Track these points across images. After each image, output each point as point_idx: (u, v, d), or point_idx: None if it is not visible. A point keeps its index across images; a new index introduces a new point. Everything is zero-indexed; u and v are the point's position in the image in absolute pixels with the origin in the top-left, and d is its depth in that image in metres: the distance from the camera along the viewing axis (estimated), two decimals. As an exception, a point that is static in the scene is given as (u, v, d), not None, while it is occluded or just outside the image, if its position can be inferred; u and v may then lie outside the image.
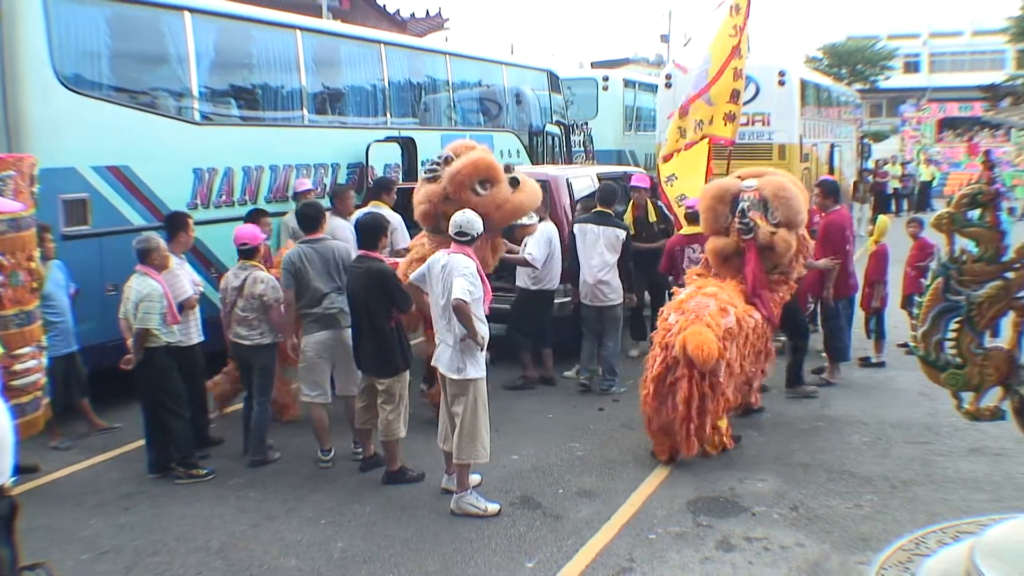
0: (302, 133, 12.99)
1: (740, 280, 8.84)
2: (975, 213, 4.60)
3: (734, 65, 12.31)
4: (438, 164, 8.70)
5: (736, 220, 8.83)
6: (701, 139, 12.53)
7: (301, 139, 12.92)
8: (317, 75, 13.51)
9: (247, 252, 8.45)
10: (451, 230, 7.36)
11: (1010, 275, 4.59)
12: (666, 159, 12.83)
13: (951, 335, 4.66)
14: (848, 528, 6.91)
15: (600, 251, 10.50)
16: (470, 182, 8.42)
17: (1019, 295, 4.60)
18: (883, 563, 5.34)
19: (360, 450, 8.42)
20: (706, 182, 11.77)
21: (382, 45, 14.91)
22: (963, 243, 4.88)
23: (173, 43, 10.89)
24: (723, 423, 8.41)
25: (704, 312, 8.14)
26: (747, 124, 18.81)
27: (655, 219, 12.11)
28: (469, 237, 7.31)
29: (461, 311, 7.00)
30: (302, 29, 13.06)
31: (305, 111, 13.02)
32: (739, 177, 9.36)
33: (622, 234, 10.65)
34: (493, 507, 7.30)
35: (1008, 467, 8.02)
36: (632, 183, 12.28)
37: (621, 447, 8.74)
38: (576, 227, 10.81)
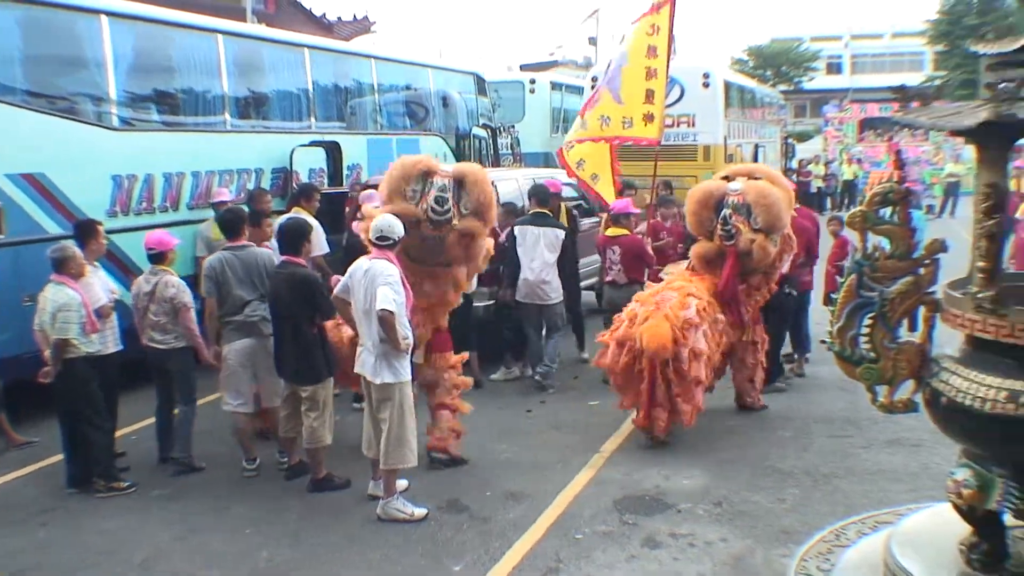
0: (225, 138, 12.82)
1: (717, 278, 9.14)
2: (887, 211, 4.69)
3: (648, 64, 12.04)
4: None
5: (719, 226, 9.02)
6: (613, 140, 12.26)
7: (224, 144, 12.74)
8: (240, 79, 13.36)
9: (156, 257, 8.31)
10: (371, 235, 7.31)
11: (921, 271, 4.69)
12: (570, 145, 12.64)
13: (865, 330, 4.75)
14: (771, 522, 7.00)
15: (541, 251, 10.66)
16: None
17: (929, 290, 4.70)
18: (804, 555, 5.43)
19: (285, 458, 8.33)
20: (613, 183, 12.19)
21: (306, 49, 14.81)
22: (877, 240, 4.98)
23: (90, 47, 10.70)
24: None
25: (665, 304, 8.56)
26: (672, 125, 18.97)
27: (566, 223, 11.73)
28: (390, 241, 7.27)
29: (386, 321, 6.99)
30: (224, 33, 12.91)
31: (228, 116, 12.89)
32: (725, 178, 9.47)
33: (561, 234, 10.82)
34: (420, 511, 7.27)
35: (925, 458, 8.18)
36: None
37: (549, 448, 8.77)
38: (516, 229, 10.85)
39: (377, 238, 7.26)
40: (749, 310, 9.35)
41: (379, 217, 7.39)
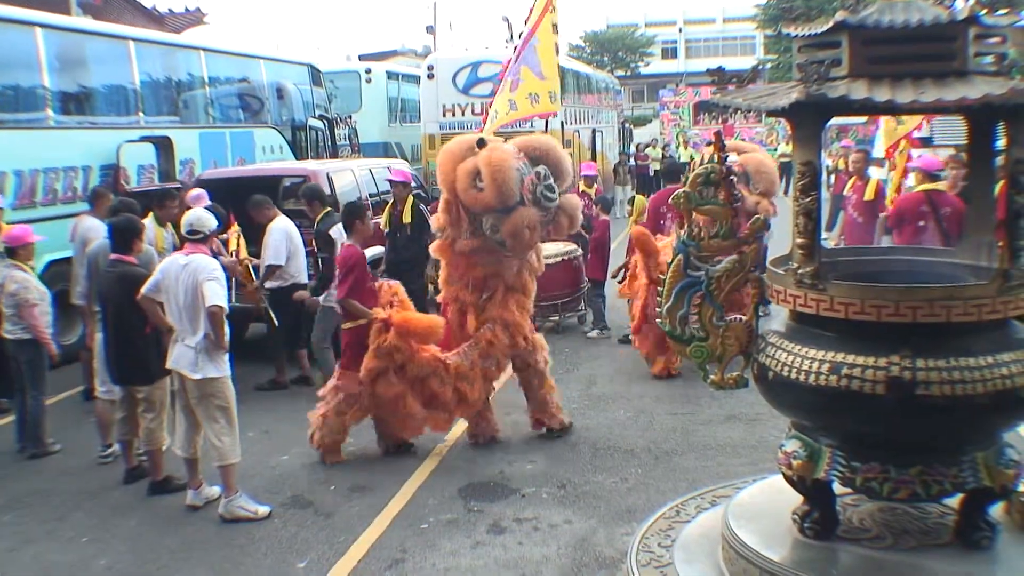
0: (48, 135, 12.42)
1: None
2: (709, 191, 4.76)
3: (555, 40, 12.81)
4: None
5: None
6: (545, 115, 13.17)
7: (47, 141, 12.33)
8: (62, 74, 12.90)
9: (9, 251, 8.41)
10: (184, 229, 7.27)
11: (745, 250, 4.77)
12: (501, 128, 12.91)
13: (694, 310, 4.81)
14: (614, 502, 7.10)
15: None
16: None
17: (754, 269, 4.79)
18: (645, 533, 5.46)
19: (109, 451, 8.30)
20: None
21: (131, 41, 14.39)
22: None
23: None
24: None
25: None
26: (510, 111, 19.06)
27: (410, 220, 11.23)
28: (201, 235, 7.22)
29: (217, 317, 6.89)
30: (42, 26, 12.44)
31: (50, 112, 12.45)
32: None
33: None
34: (263, 509, 7.16)
35: (762, 432, 8.41)
36: (391, 177, 11.97)
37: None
38: (334, 231, 10.09)
39: (188, 232, 7.20)
40: None
41: (191, 211, 7.33)
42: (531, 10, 12.92)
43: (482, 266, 8.09)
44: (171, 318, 7.17)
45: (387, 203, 11.80)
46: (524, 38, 12.85)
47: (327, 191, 11.35)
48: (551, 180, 7.90)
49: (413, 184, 11.59)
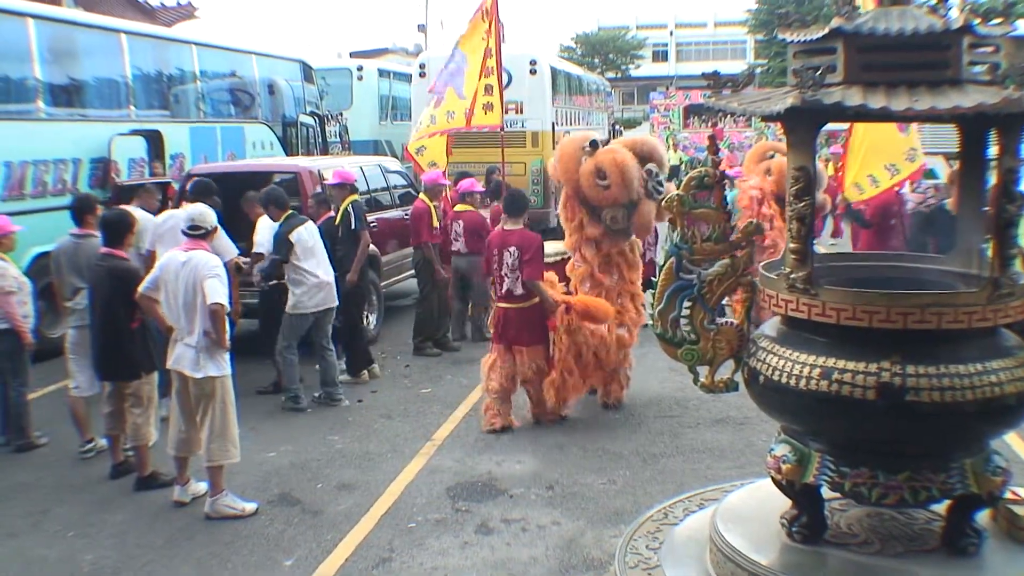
0: (39, 127, 12.40)
1: None
2: (703, 195, 4.78)
3: (486, 63, 13.12)
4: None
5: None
6: (460, 129, 13.59)
7: (38, 133, 12.33)
8: (53, 66, 12.89)
9: None
10: (184, 224, 7.21)
11: (738, 254, 4.79)
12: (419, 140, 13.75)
13: (685, 312, 4.83)
14: (602, 503, 7.12)
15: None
16: None
17: (746, 273, 4.81)
18: (633, 535, 5.47)
19: (90, 446, 8.30)
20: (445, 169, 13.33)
21: (123, 34, 14.33)
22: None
23: None
24: None
25: None
26: (501, 112, 19.15)
27: (339, 221, 10.63)
28: (202, 231, 7.17)
29: (218, 315, 6.86)
30: (35, 17, 12.41)
31: (41, 103, 12.42)
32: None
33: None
34: (250, 507, 7.14)
35: (749, 435, 8.44)
36: (329, 180, 11.23)
37: (380, 438, 8.72)
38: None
39: (189, 228, 7.14)
40: None
41: (191, 207, 7.28)
42: (466, 34, 13.43)
43: (607, 248, 9.01)
44: (169, 316, 7.13)
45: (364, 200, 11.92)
46: (455, 59, 13.39)
47: (319, 188, 11.26)
48: (660, 176, 8.77)
49: (352, 186, 11.09)
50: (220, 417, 7.06)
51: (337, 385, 9.86)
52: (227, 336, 7.02)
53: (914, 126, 11.71)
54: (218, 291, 6.88)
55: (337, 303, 9.83)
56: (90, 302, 7.76)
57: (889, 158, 11.80)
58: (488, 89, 13.20)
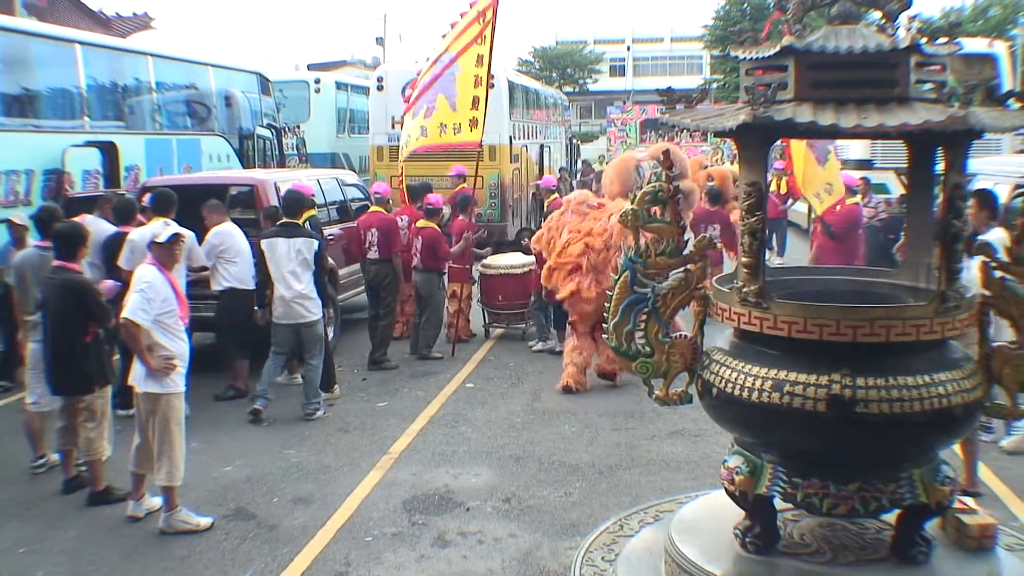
0: (-11, 137, 12.20)
1: None
2: (656, 209, 4.83)
3: (476, 72, 12.69)
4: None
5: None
6: (449, 147, 13.53)
7: (-12, 144, 12.13)
8: (6, 75, 12.76)
9: None
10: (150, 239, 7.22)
11: (691, 268, 4.85)
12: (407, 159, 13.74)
13: (640, 325, 4.87)
14: (558, 516, 7.13)
15: (293, 266, 9.56)
16: None
17: (699, 287, 4.86)
18: (589, 547, 5.51)
19: (42, 461, 8.20)
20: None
21: (77, 44, 14.19)
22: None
23: None
24: None
25: None
26: (458, 126, 19.20)
27: None
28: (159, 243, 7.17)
29: (126, 331, 6.83)
30: (-17, 27, 12.28)
31: (-8, 113, 12.27)
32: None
33: (315, 244, 9.74)
34: (205, 521, 7.07)
35: (705, 447, 8.50)
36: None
37: (337, 451, 8.67)
38: (264, 243, 9.74)
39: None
40: None
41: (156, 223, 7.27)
42: (458, 36, 12.93)
43: None
44: None
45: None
46: (444, 64, 12.90)
47: (276, 201, 11.24)
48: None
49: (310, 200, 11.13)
50: (161, 435, 6.95)
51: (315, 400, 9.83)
52: (158, 357, 6.86)
53: (834, 160, 12.16)
54: (131, 306, 6.77)
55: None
56: (43, 315, 7.66)
57: (814, 188, 12.21)
58: (476, 102, 12.64)
